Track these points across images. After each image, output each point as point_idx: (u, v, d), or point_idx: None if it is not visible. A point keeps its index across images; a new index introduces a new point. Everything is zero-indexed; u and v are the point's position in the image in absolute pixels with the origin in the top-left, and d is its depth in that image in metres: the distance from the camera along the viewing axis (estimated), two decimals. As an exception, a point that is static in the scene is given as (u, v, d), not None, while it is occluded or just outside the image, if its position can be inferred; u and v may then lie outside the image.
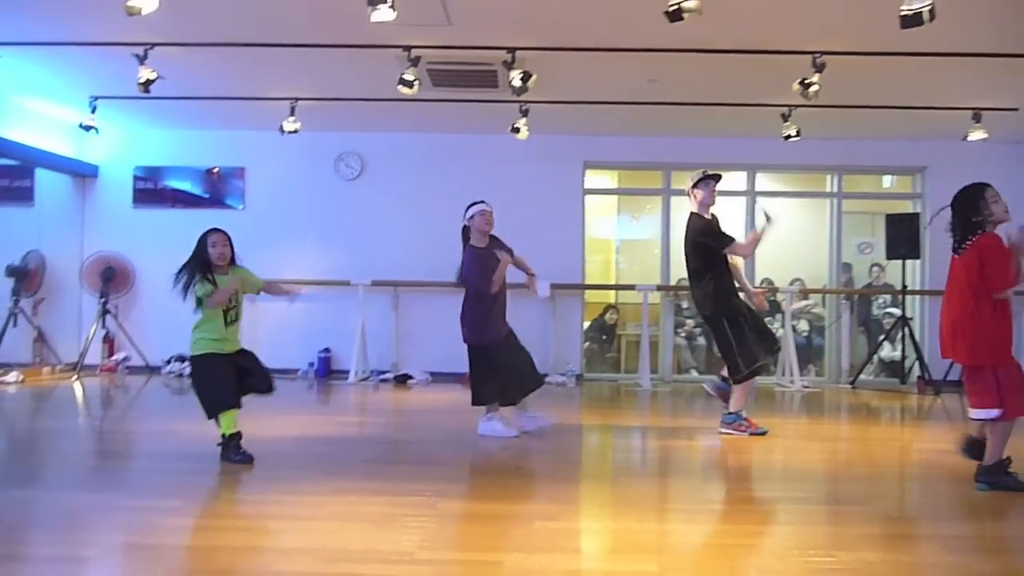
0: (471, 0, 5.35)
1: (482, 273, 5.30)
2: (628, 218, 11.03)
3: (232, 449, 4.48)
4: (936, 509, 3.98)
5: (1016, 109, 7.49)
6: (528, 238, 9.07)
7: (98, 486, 4.18)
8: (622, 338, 10.16)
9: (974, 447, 4.23)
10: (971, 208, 4.11)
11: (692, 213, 5.72)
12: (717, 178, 5.74)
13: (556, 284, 8.89)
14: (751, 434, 5.56)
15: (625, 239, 11.05)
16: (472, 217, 5.44)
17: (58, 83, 7.50)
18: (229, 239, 4.64)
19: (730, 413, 5.61)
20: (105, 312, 8.91)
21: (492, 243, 5.48)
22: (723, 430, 5.61)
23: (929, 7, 4.59)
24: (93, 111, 7.76)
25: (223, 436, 4.51)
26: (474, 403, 5.48)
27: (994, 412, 3.99)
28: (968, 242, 4.09)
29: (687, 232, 5.72)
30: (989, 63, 6.24)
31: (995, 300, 4.03)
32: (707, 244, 5.58)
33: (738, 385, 5.61)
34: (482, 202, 5.48)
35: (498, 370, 5.39)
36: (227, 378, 4.53)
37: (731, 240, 5.60)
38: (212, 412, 4.52)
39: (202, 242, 4.58)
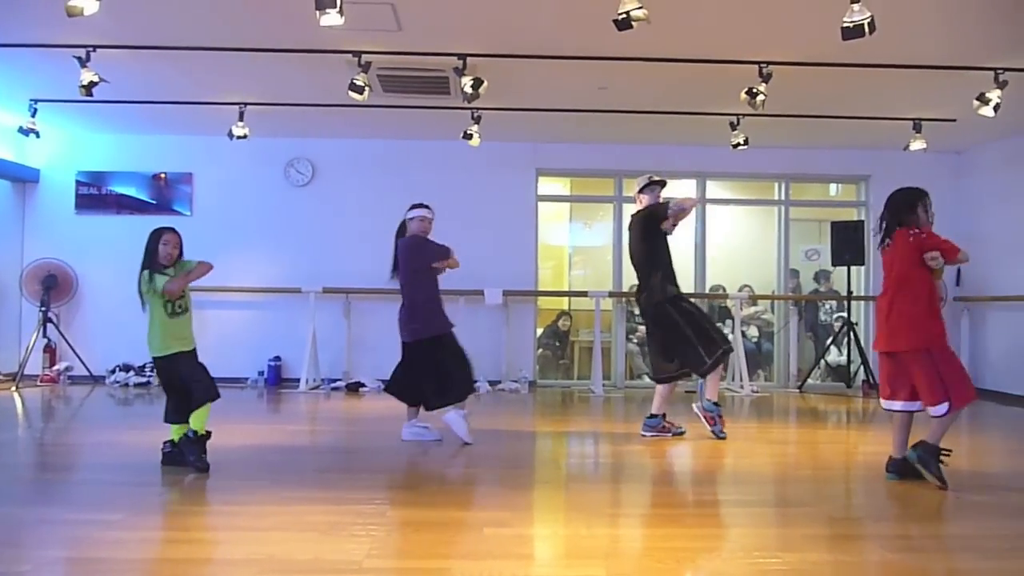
0: (421, 6, 5.34)
1: (434, 252, 5.47)
2: (580, 225, 11.11)
3: (192, 451, 4.51)
4: (879, 510, 4.07)
5: (954, 120, 7.72)
6: (481, 245, 9.16)
7: (37, 499, 4.05)
8: (575, 344, 10.21)
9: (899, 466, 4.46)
10: (905, 210, 4.42)
11: (636, 212, 5.93)
12: (662, 184, 5.92)
13: (509, 291, 8.93)
14: (674, 434, 5.79)
15: (578, 246, 11.12)
16: (412, 219, 5.57)
17: (-4, 85, 7.30)
18: (181, 240, 4.66)
19: (712, 402, 5.76)
20: (46, 321, 8.67)
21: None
22: (700, 414, 5.85)
23: (869, 19, 4.72)
24: (33, 114, 7.56)
25: (194, 435, 4.53)
26: (450, 402, 5.41)
27: (943, 407, 4.21)
28: (889, 239, 4.40)
29: (632, 227, 5.89)
30: (929, 75, 6.44)
31: (928, 288, 4.26)
32: (656, 223, 5.70)
33: (709, 376, 5.69)
34: (426, 207, 5.58)
35: (454, 362, 5.42)
36: (174, 392, 4.61)
37: (668, 204, 5.73)
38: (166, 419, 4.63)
39: (154, 239, 4.59)
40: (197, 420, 4.54)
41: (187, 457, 4.52)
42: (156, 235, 4.62)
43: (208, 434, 4.59)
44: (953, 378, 4.24)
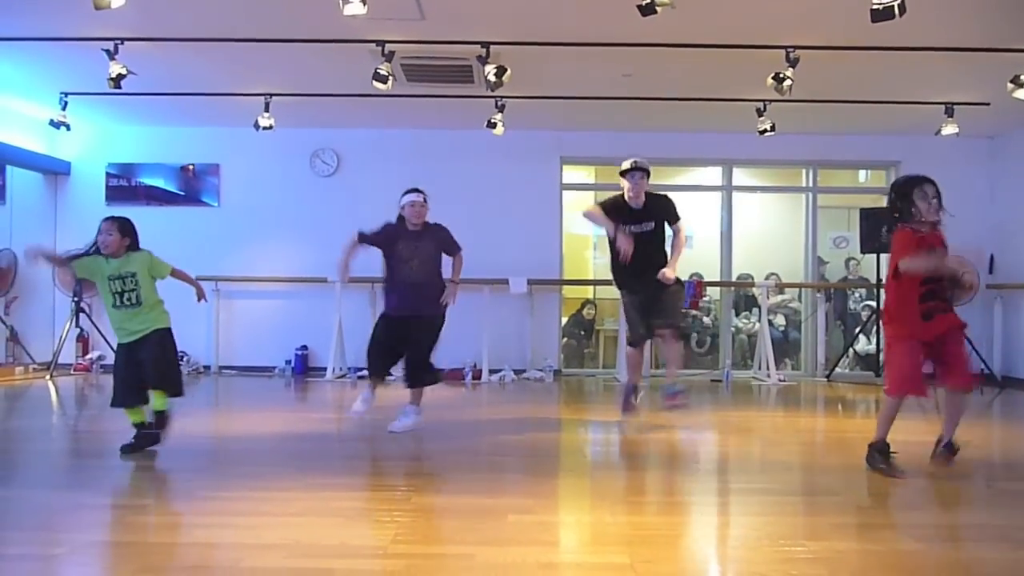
0: (444, -6, 5.34)
1: (384, 245, 5.43)
2: (605, 213, 11.02)
3: (143, 437, 4.61)
4: (906, 499, 4.02)
5: (988, 104, 7.57)
6: (506, 234, 9.17)
7: (70, 485, 4.13)
8: (600, 333, 10.19)
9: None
10: (900, 199, 4.22)
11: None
12: (644, 171, 5.66)
13: (534, 280, 8.93)
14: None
15: (602, 235, 11.02)
16: (403, 206, 5.44)
17: (27, 79, 7.41)
18: (121, 227, 4.62)
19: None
20: (79, 311, 8.81)
21: (427, 230, 5.47)
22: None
23: (900, 1, 4.63)
24: (64, 107, 7.67)
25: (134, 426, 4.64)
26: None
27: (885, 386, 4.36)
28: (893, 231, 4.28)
29: None
30: (961, 57, 6.32)
31: (906, 280, 4.14)
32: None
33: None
34: (416, 191, 5.44)
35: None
36: (121, 376, 4.62)
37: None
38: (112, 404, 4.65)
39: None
40: (132, 415, 4.64)
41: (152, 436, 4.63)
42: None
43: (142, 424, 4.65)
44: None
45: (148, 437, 4.62)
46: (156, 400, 4.64)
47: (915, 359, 4.18)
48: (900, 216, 4.22)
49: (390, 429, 5.31)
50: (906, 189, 4.21)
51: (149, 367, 4.55)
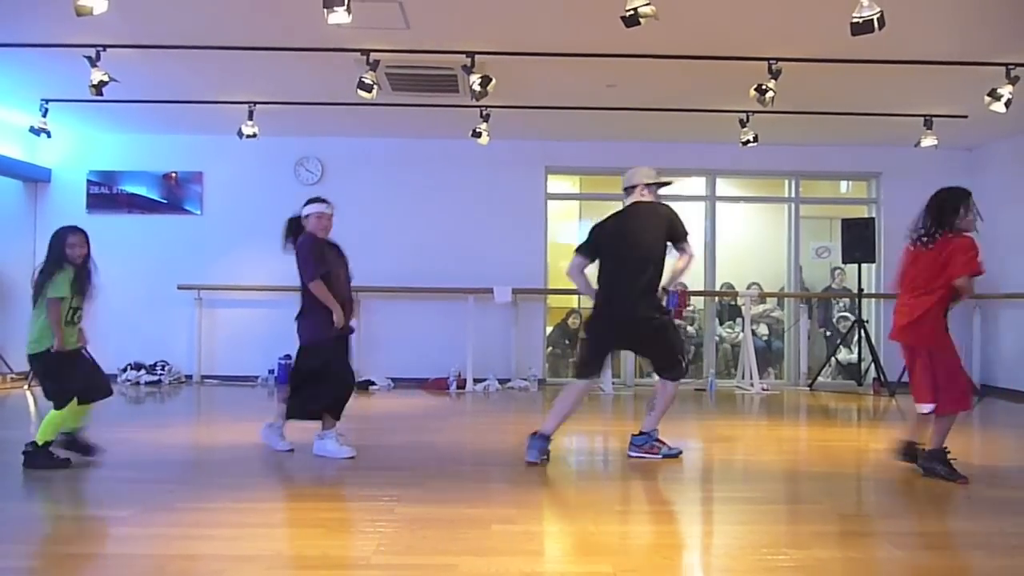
0: (429, 4, 5.34)
1: (313, 263, 5.01)
2: (590, 223, 11.04)
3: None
4: (888, 507, 4.05)
5: (966, 116, 7.66)
6: (491, 243, 9.19)
7: (48, 496, 4.08)
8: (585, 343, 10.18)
9: (908, 451, 4.56)
10: (951, 210, 4.42)
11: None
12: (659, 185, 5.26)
13: (519, 289, 8.93)
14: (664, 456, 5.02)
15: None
16: (307, 216, 5.04)
17: (7, 85, 7.34)
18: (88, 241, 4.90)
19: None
20: (58, 319, 8.70)
21: (328, 247, 5.17)
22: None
23: (879, 15, 4.69)
24: (44, 114, 7.59)
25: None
26: (291, 416, 5.04)
27: (928, 407, 4.32)
28: (938, 237, 4.40)
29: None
30: (940, 71, 6.39)
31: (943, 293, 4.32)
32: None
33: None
34: (322, 202, 5.07)
35: (326, 376, 5.08)
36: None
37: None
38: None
39: (60, 241, 4.86)
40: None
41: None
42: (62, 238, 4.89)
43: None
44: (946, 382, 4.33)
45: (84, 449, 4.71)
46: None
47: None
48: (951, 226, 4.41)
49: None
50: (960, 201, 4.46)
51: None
